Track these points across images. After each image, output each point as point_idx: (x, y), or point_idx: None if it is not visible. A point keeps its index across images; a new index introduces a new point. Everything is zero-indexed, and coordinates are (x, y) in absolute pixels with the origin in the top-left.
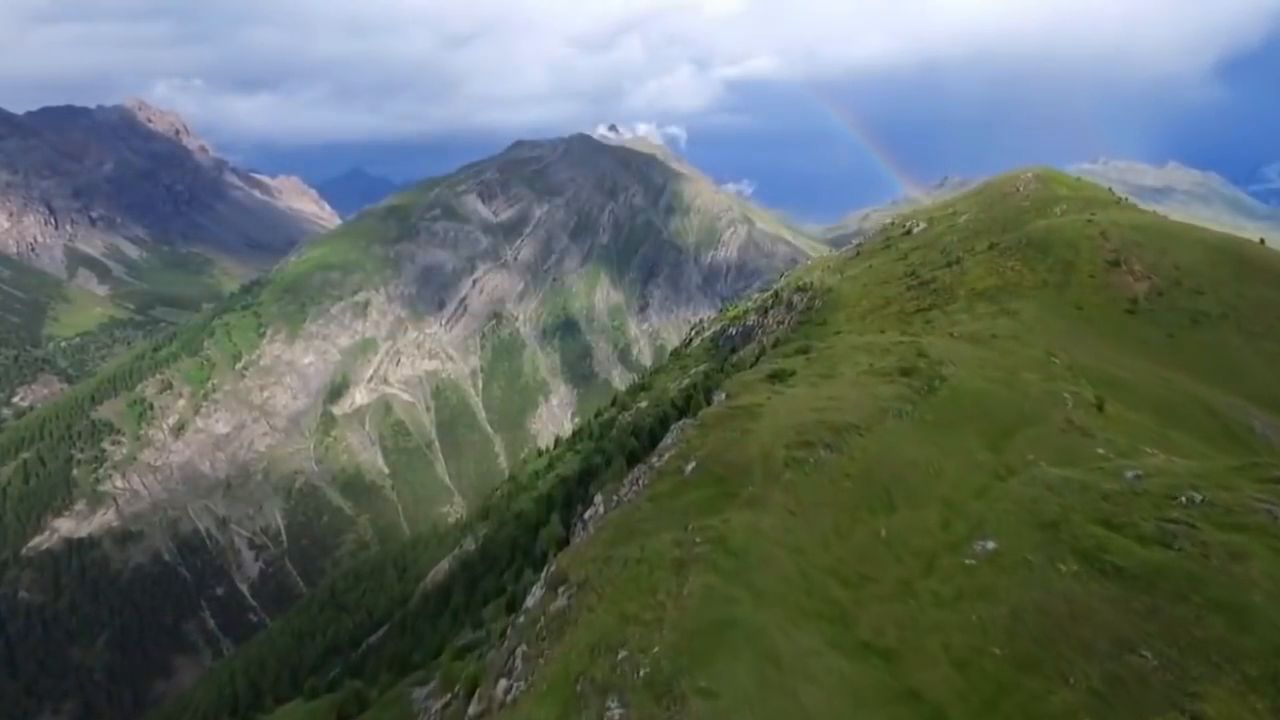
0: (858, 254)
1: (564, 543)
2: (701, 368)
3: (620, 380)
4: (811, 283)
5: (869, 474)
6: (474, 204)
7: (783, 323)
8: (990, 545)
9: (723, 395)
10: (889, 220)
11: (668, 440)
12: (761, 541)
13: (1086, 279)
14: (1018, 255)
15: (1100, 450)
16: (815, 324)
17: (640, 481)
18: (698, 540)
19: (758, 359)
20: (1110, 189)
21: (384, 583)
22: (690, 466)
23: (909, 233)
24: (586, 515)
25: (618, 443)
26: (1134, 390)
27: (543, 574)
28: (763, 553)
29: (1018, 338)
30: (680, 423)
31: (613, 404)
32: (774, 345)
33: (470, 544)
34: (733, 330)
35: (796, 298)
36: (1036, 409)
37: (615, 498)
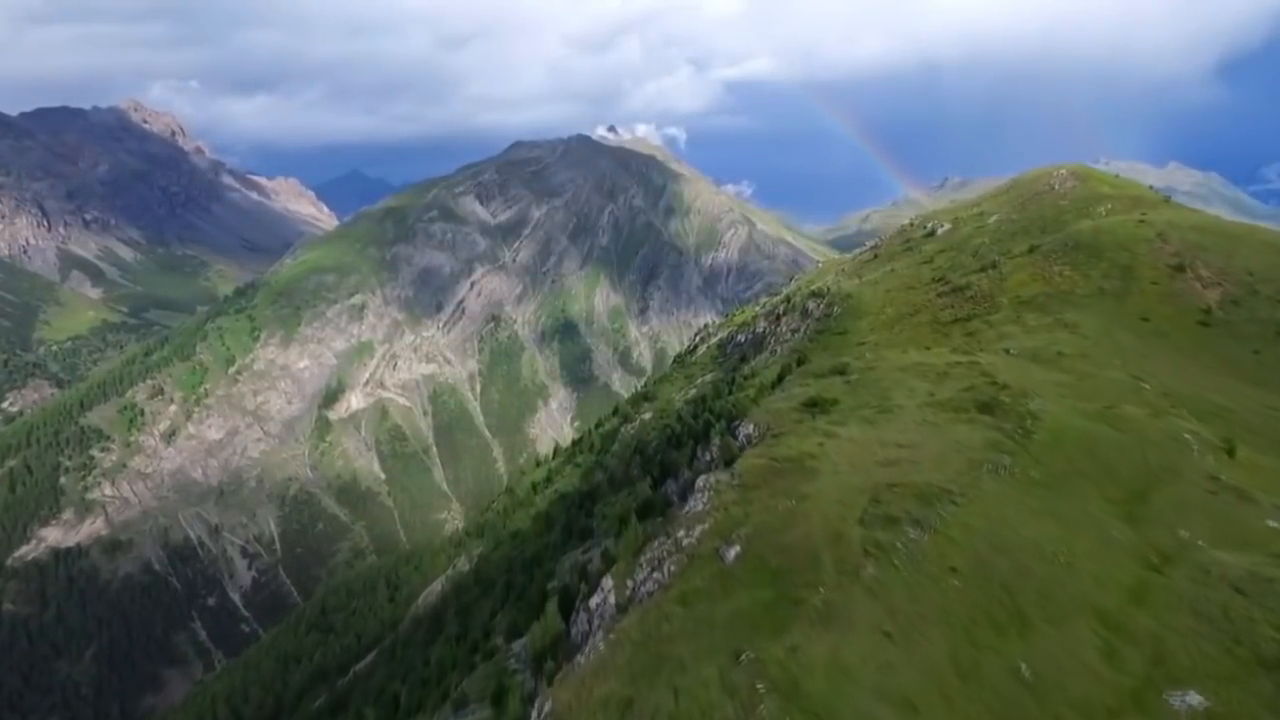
0: (875, 257)
1: (562, 639)
2: (708, 377)
3: (620, 383)
4: (828, 288)
5: (982, 567)
6: (472, 205)
7: (797, 331)
8: (1194, 699)
9: (751, 428)
10: (907, 221)
11: (696, 503)
12: (852, 690)
13: (1149, 286)
14: (1064, 259)
15: (1271, 523)
16: (834, 333)
17: (665, 566)
18: (758, 685)
19: (781, 377)
20: (1151, 187)
21: (375, 603)
22: (733, 552)
23: (932, 234)
24: (593, 603)
25: (621, 459)
26: (1247, 424)
27: (535, 709)
28: (857, 711)
29: (1088, 356)
30: (711, 477)
31: (614, 413)
32: (798, 361)
33: (464, 564)
34: (741, 337)
35: (812, 303)
36: (1162, 458)
37: (630, 583)
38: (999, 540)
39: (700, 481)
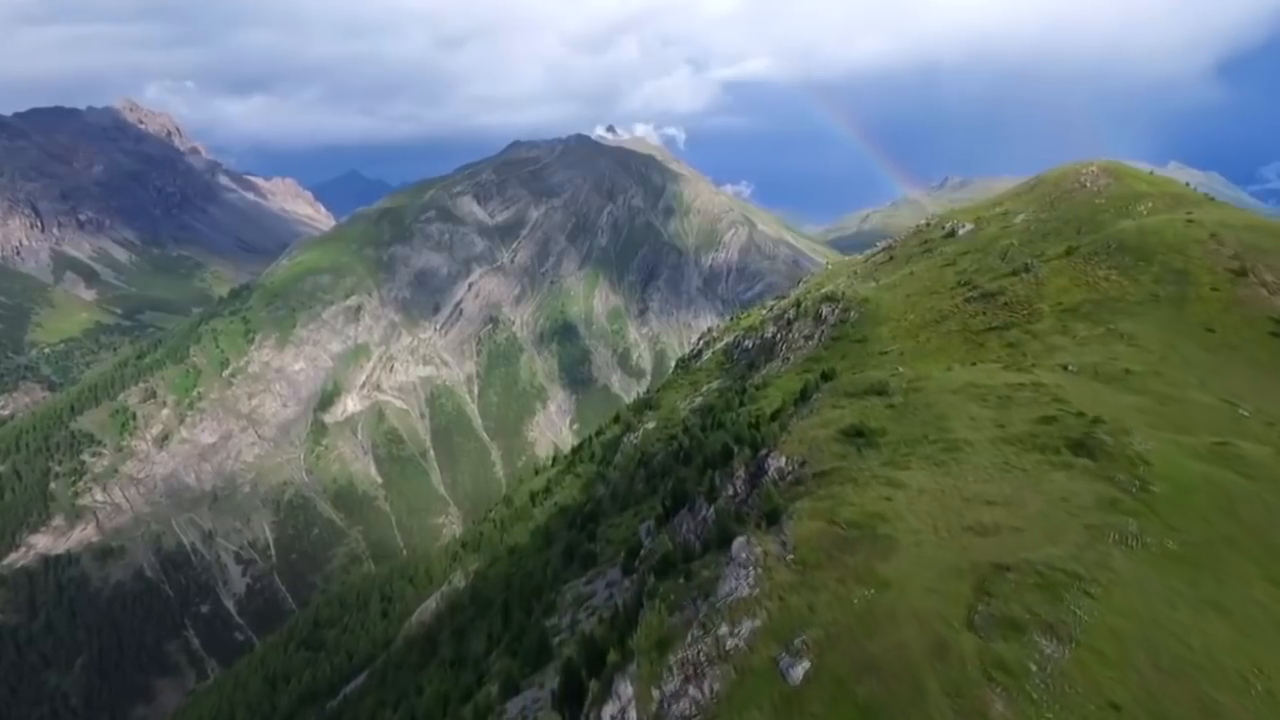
0: (890, 259)
1: None
2: (715, 384)
3: (620, 385)
4: (842, 292)
5: (1154, 702)
6: (470, 205)
7: (811, 337)
8: None
9: (783, 460)
10: (922, 221)
11: (739, 583)
12: None
13: (1208, 292)
14: (1109, 262)
15: None
16: (852, 340)
17: (706, 681)
18: None
19: (805, 393)
20: (1188, 184)
21: (367, 619)
22: (800, 669)
23: (952, 234)
24: (607, 713)
25: (625, 472)
26: None
27: None
28: None
29: (1161, 374)
30: (755, 545)
31: (615, 420)
32: (823, 375)
33: (460, 579)
34: (748, 342)
35: (825, 308)
36: None
37: (657, 693)
38: (1164, 655)
39: (741, 550)
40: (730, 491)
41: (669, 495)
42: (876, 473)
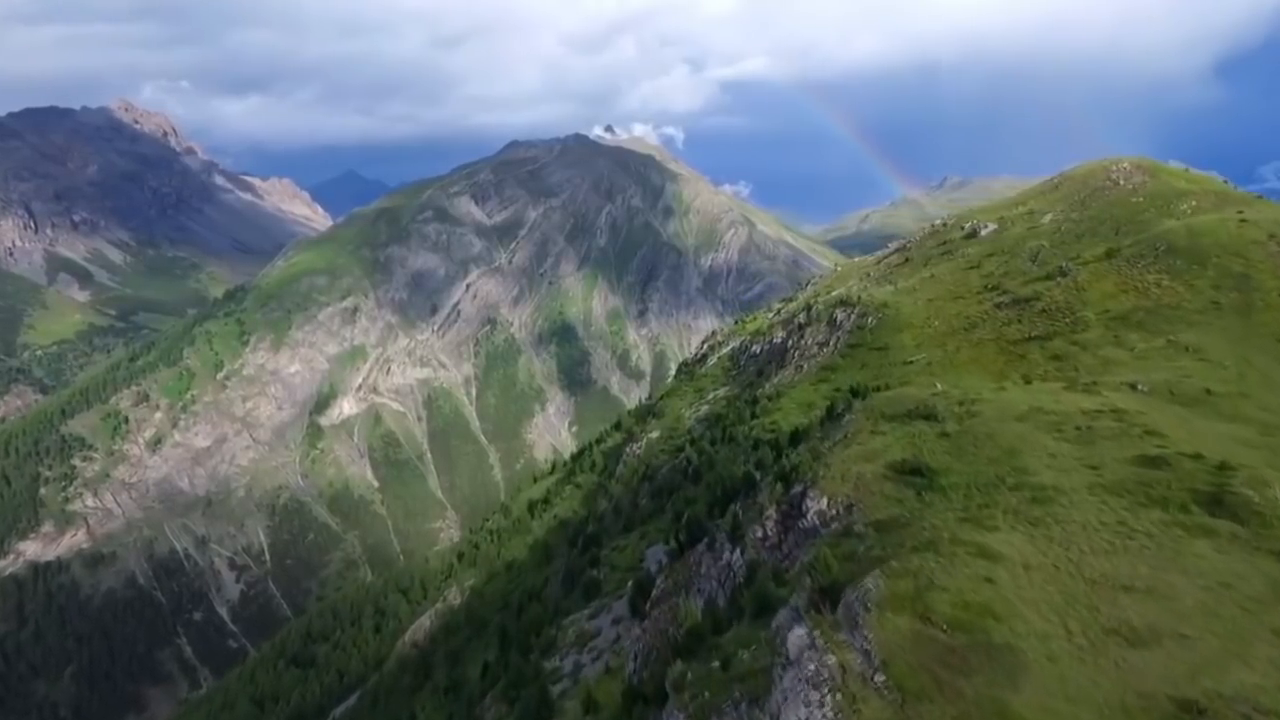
0: (905, 261)
1: None
2: (721, 392)
3: (619, 387)
4: (857, 296)
5: None
6: (467, 206)
7: (825, 344)
8: None
9: (824, 502)
10: (938, 221)
11: (809, 713)
12: None
13: (1277, 299)
14: (1158, 266)
15: None
16: (872, 348)
17: None
18: None
19: (832, 412)
20: (1225, 181)
21: (359, 635)
22: None
23: (973, 235)
24: None
25: (628, 486)
26: None
27: None
28: None
29: (1248, 396)
30: (819, 645)
31: (616, 427)
32: (852, 392)
33: (455, 595)
34: (756, 347)
35: (840, 313)
36: None
37: None
38: None
39: (805, 654)
40: (759, 533)
41: (683, 529)
42: (957, 534)
